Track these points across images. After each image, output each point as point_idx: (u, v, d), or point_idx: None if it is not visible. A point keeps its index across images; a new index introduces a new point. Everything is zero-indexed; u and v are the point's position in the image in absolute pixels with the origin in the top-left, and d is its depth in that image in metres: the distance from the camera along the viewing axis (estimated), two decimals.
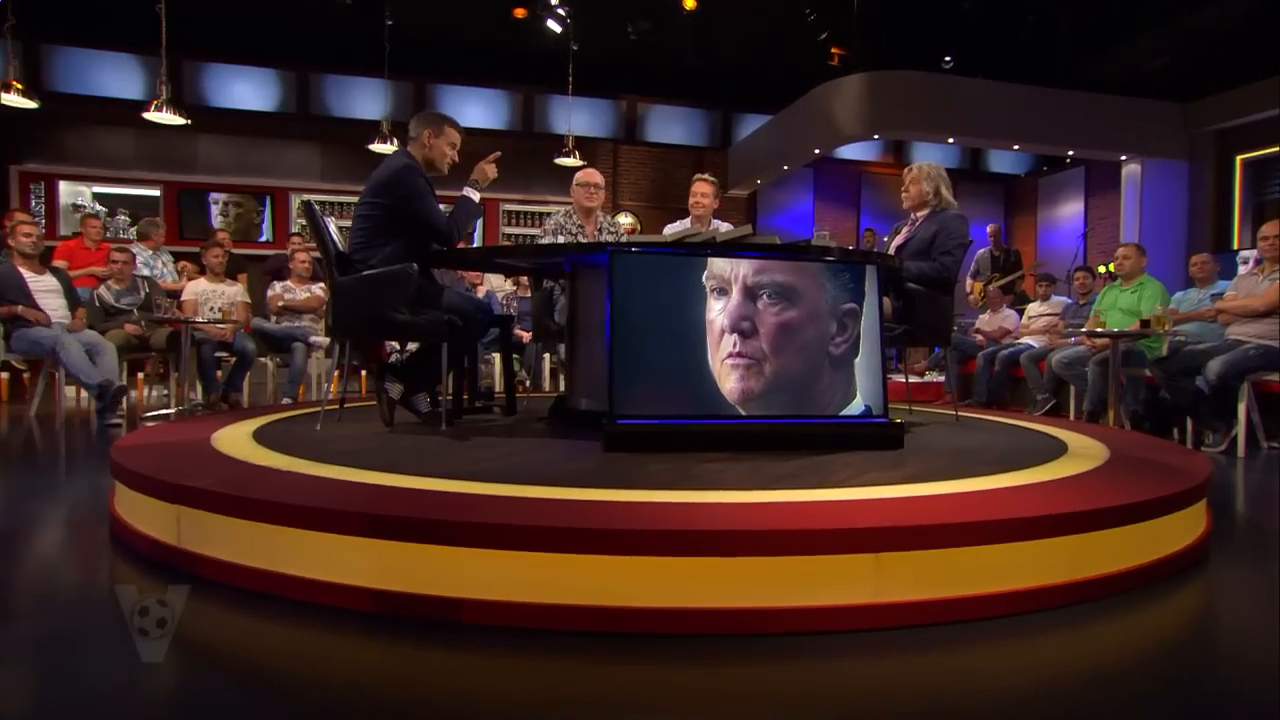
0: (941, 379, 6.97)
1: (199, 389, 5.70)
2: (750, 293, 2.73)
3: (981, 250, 8.02)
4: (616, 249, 2.68)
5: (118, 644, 1.45)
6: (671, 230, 4.27)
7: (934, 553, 1.56)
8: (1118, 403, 4.71)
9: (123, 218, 8.72)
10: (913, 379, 7.27)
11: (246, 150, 9.42)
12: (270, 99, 9.48)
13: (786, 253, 2.80)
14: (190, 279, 6.31)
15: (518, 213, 10.27)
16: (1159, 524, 1.88)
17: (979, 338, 6.89)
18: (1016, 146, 9.86)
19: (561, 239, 3.73)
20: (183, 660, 1.39)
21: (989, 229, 8.12)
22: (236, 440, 2.68)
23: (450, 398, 3.67)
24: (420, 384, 3.29)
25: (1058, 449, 2.77)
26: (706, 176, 4.37)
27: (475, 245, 9.09)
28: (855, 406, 2.73)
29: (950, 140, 9.53)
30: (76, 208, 8.53)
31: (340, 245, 3.26)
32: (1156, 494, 1.89)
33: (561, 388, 4.29)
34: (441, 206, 3.14)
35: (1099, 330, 4.91)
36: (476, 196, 3.22)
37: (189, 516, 1.80)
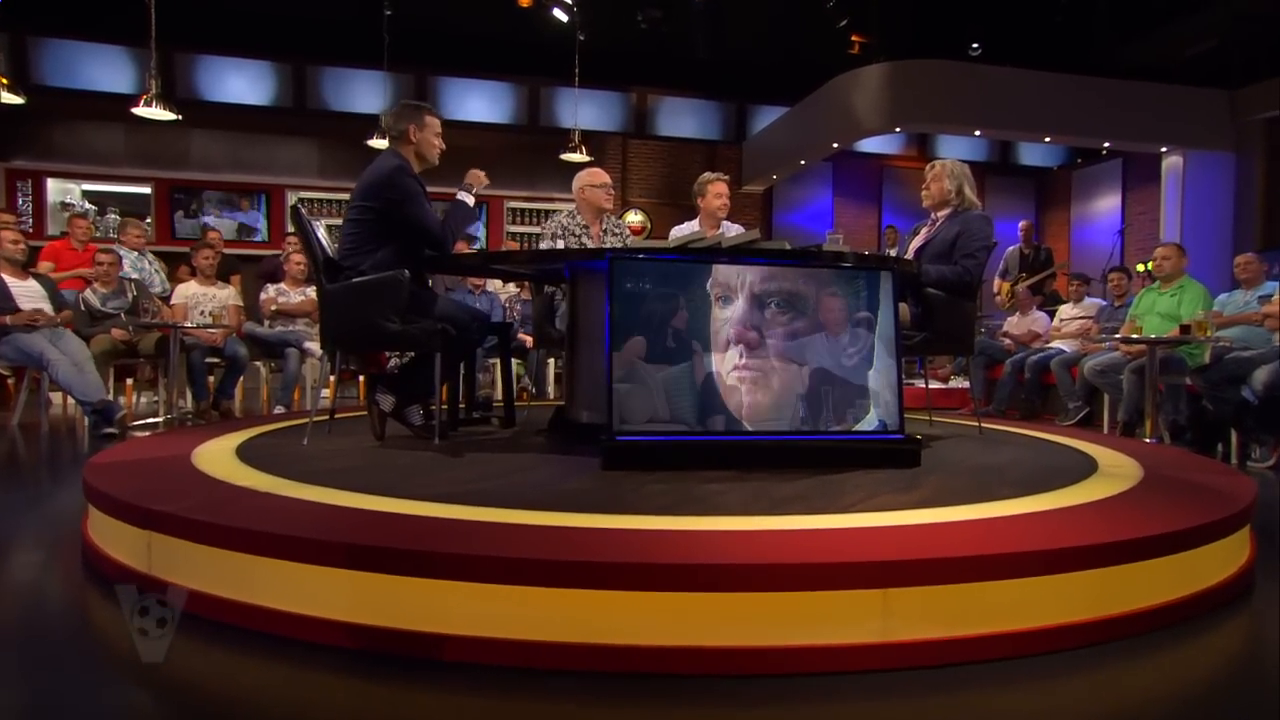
0: (967, 384, 6.89)
1: (189, 396, 5.73)
2: (757, 301, 2.70)
3: (1011, 248, 7.92)
4: (616, 255, 2.66)
5: (81, 680, 1.44)
6: (678, 233, 4.25)
7: (946, 588, 1.52)
8: (1155, 413, 4.64)
9: (113, 216, 8.79)
10: (936, 385, 7.21)
11: (241, 146, 9.48)
12: (265, 93, 9.55)
13: (797, 259, 2.77)
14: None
15: (522, 210, 10.27)
16: (1196, 554, 1.83)
17: (1007, 342, 6.81)
18: (1048, 139, 9.77)
19: (561, 244, 3.72)
20: (149, 698, 1.38)
21: (1020, 225, 8.01)
22: (218, 457, 2.68)
23: (446, 407, 3.68)
24: (413, 396, 3.28)
25: (1087, 467, 2.72)
26: (723, 176, 4.35)
27: (477, 247, 9.10)
28: (869, 421, 2.69)
29: (977, 133, 9.44)
30: (65, 206, 8.62)
31: (330, 250, 3.27)
32: (1193, 522, 1.84)
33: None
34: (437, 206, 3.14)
35: (1134, 336, 4.84)
36: (470, 200, 3.21)
37: (160, 543, 1.79)
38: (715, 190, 4.25)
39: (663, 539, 1.71)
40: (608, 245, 4.01)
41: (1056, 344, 6.41)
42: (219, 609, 1.66)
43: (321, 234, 3.31)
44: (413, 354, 3.47)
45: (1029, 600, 1.58)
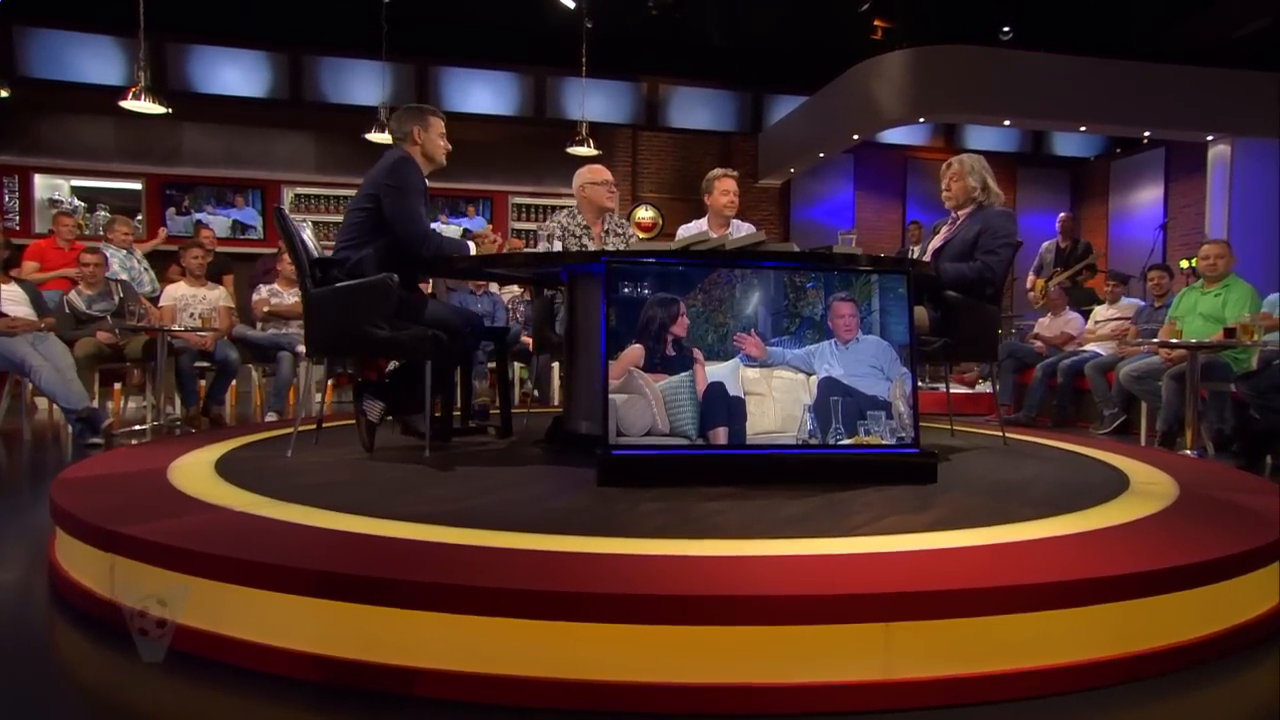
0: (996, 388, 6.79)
1: (177, 403, 5.76)
2: (763, 306, 2.67)
3: (1047, 242, 7.81)
4: (612, 258, 2.64)
5: (36, 715, 1.42)
6: (685, 233, 4.23)
7: (953, 622, 1.48)
8: (1197, 423, 4.55)
9: (102, 213, 8.85)
10: (962, 390, 7.13)
11: (235, 140, 9.52)
12: (260, 84, 9.59)
13: (805, 262, 2.74)
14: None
15: (527, 206, 10.26)
16: (1232, 585, 1.77)
17: (1038, 344, 6.72)
18: (1084, 128, 9.63)
19: (558, 245, 3.69)
20: None
21: (1059, 218, 7.87)
22: (195, 471, 2.68)
23: (440, 415, 3.67)
24: (402, 406, 3.27)
25: (1117, 484, 2.67)
26: (733, 172, 4.32)
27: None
28: (882, 433, 2.65)
29: (1007, 123, 9.34)
30: (54, 203, 8.69)
31: (316, 252, 3.27)
32: (1229, 550, 1.79)
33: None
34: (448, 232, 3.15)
35: (1174, 340, 4.75)
36: (471, 250, 3.23)
37: (123, 567, 1.78)
38: (722, 187, 4.22)
39: (654, 566, 1.69)
40: (609, 246, 3.99)
41: (1091, 347, 6.31)
42: (183, 638, 1.64)
43: (307, 235, 3.31)
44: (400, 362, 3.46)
45: (1045, 636, 1.54)
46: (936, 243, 3.59)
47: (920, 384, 6.97)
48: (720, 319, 2.66)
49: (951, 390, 6.98)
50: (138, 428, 5.28)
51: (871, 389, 2.66)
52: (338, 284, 3.05)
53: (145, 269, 6.69)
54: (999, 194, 3.50)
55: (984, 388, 7.17)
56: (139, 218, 8.89)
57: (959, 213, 3.56)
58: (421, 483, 2.62)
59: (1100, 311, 6.59)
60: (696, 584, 1.56)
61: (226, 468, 2.77)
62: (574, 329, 3.38)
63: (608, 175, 4.04)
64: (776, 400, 2.62)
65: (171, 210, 9.23)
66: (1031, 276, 7.84)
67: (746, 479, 2.55)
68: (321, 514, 2.05)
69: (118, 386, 6.52)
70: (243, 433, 3.91)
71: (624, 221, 4.24)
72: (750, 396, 2.62)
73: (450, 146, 3.39)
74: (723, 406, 2.60)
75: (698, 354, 2.62)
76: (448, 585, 1.50)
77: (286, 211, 3.25)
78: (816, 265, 2.73)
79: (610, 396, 2.57)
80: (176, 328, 5.45)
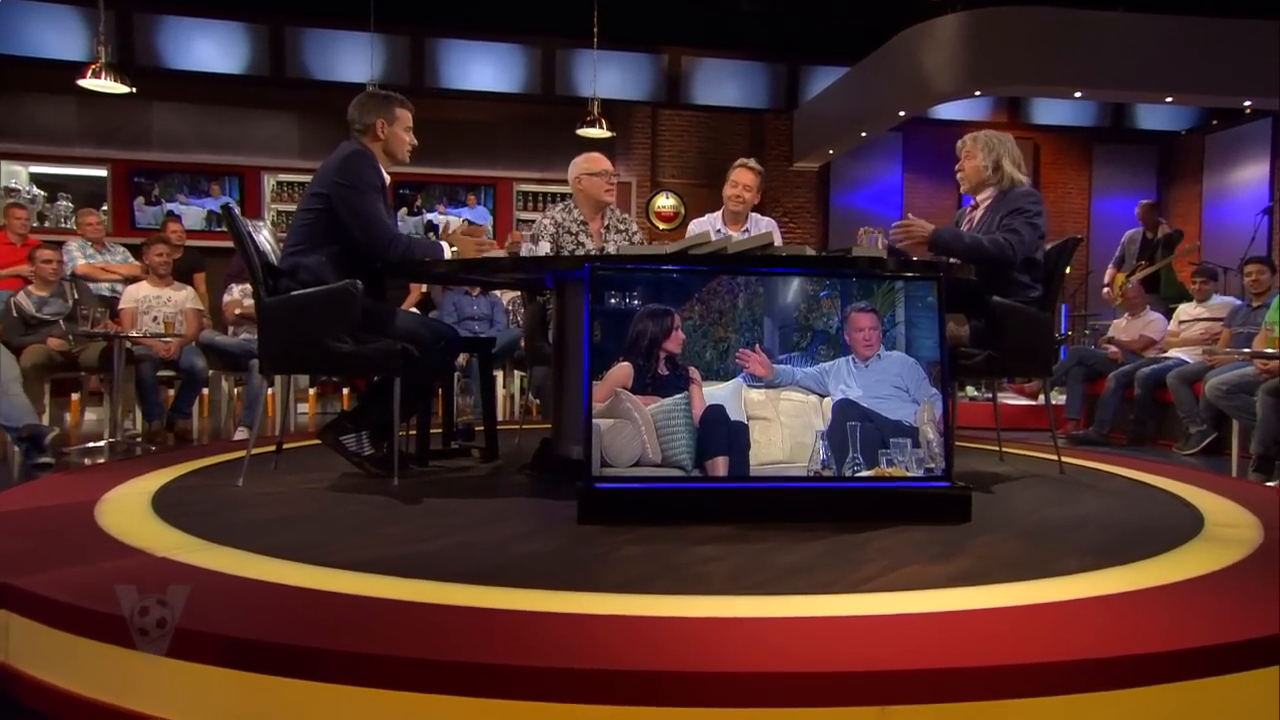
0: (1062, 399, 6.66)
1: (138, 416, 5.80)
2: (770, 318, 2.61)
3: (1130, 231, 7.62)
4: (596, 264, 2.59)
5: None
6: (695, 229, 4.18)
7: (961, 707, 1.40)
8: None
9: (64, 204, 8.97)
10: (1022, 402, 6.98)
11: (209, 122, 9.60)
12: (238, 59, 9.65)
13: (818, 267, 2.67)
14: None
15: (533, 194, 10.26)
16: None
17: (1112, 349, 6.56)
18: (1170, 99, 9.39)
19: (546, 245, 3.65)
20: None
21: (1138, 207, 7.67)
22: (129, 504, 2.67)
23: (416, 434, 3.65)
24: (367, 425, 3.24)
25: (1188, 526, 2.57)
26: (751, 163, 4.26)
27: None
28: (907, 463, 2.57)
29: (1078, 95, 9.14)
30: (10, 191, 8.81)
31: (275, 256, 3.25)
32: None
33: None
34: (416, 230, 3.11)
35: (1271, 350, 4.58)
36: (446, 253, 3.19)
37: (19, 626, 1.75)
38: (734, 179, 4.18)
39: (621, 629, 1.64)
40: (610, 244, 3.95)
41: (1175, 353, 6.13)
42: (81, 711, 1.61)
43: (264, 236, 3.30)
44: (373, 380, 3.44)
45: None
46: None
47: (974, 394, 6.92)
48: (720, 333, 2.60)
49: (1010, 402, 6.89)
50: (92, 445, 5.32)
51: (895, 413, 2.59)
52: (294, 293, 3.02)
53: (125, 259, 6.72)
54: (1020, 178, 3.42)
55: (1052, 397, 7.00)
56: (104, 208, 8.99)
57: (978, 199, 3.53)
58: (380, 519, 2.59)
59: (1186, 310, 6.38)
60: (663, 654, 1.50)
61: (165, 500, 2.76)
62: (563, 341, 3.34)
63: (607, 165, 4.00)
64: (785, 426, 2.57)
65: (140, 200, 9.33)
66: (1111, 270, 7.65)
67: (748, 516, 2.50)
68: (254, 560, 2.02)
69: (75, 397, 6.59)
70: (200, 454, 3.92)
71: (627, 216, 4.19)
72: (754, 421, 2.56)
73: (417, 143, 3.36)
74: (723, 433, 2.55)
75: (694, 373, 2.57)
76: (366, 656, 1.45)
77: (236, 209, 3.23)
78: (831, 270, 2.66)
79: (594, 422, 2.53)
80: (135, 333, 5.48)
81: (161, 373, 5.76)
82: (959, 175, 3.57)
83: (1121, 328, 6.78)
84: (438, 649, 1.49)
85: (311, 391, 7.27)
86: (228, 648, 1.51)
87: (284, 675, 1.48)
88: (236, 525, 2.40)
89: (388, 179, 3.25)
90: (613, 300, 2.59)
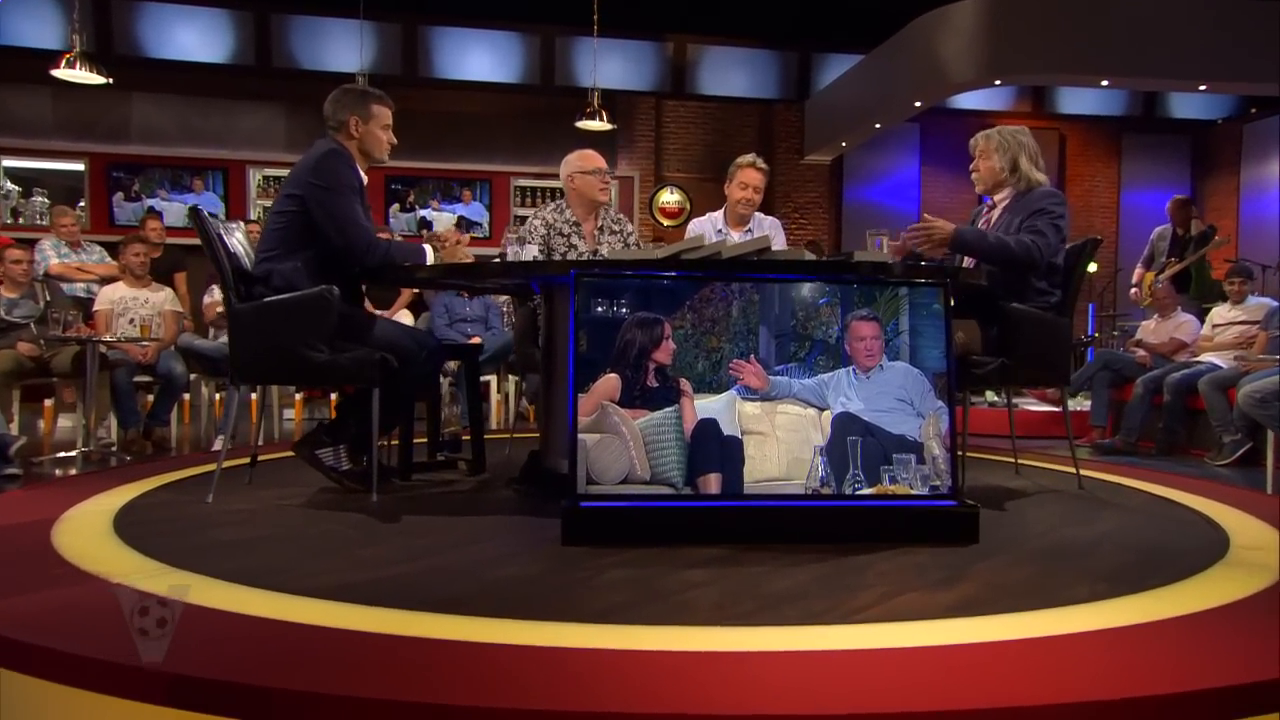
0: (1087, 405, 6.60)
1: (113, 424, 5.80)
2: (765, 327, 2.58)
3: (1160, 227, 7.54)
4: (582, 272, 2.57)
5: None
6: (694, 229, 4.15)
7: None
8: None
9: (40, 199, 8.99)
10: (1043, 408, 6.93)
11: (192, 114, 9.63)
12: (221, 48, 9.65)
13: (817, 272, 2.65)
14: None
15: (531, 189, 10.25)
16: None
17: (1140, 353, 6.50)
18: (1204, 87, 9.33)
19: (533, 249, 3.61)
20: None
21: (1169, 203, 7.59)
22: (88, 523, 2.66)
23: (399, 445, 3.63)
24: (344, 438, 3.23)
25: (1212, 548, 2.53)
26: (759, 162, 4.24)
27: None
28: (911, 480, 2.54)
29: (1105, 83, 9.09)
30: None
31: (248, 260, 3.25)
32: None
33: None
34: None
35: None
36: (429, 257, 3.17)
37: None
38: (741, 179, 4.17)
39: (597, 664, 1.61)
40: (604, 245, 3.93)
41: (1208, 357, 6.06)
42: None
43: (237, 240, 3.29)
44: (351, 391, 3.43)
45: None
46: None
47: (994, 400, 6.87)
48: (713, 342, 2.58)
49: (1030, 408, 6.84)
50: (64, 455, 5.32)
51: (898, 427, 2.56)
52: (266, 299, 3.01)
53: (102, 259, 6.73)
54: (1039, 177, 3.40)
55: (1074, 404, 6.95)
56: (81, 204, 9.02)
57: (995, 199, 3.51)
58: (355, 539, 2.58)
59: (1220, 313, 6.32)
60: (634, 694, 1.47)
61: (129, 519, 2.75)
62: (551, 350, 3.33)
63: (601, 163, 3.98)
64: (781, 441, 2.54)
65: (119, 195, 9.35)
66: (1139, 269, 7.58)
67: (742, 537, 2.48)
68: (213, 586, 2.01)
69: (49, 403, 6.59)
70: (174, 466, 3.91)
71: (622, 217, 4.17)
72: (749, 436, 2.54)
73: (395, 142, 3.35)
74: (715, 448, 2.53)
75: (685, 385, 2.55)
76: (324, 696, 1.43)
77: (204, 212, 3.23)
78: (831, 276, 2.64)
79: (580, 437, 2.51)
80: (110, 337, 5.48)
81: (138, 378, 5.75)
82: (974, 176, 3.55)
83: (1150, 330, 6.72)
84: (396, 688, 1.47)
85: (298, 398, 7.27)
86: (173, 686, 1.49)
87: (231, 717, 1.46)
88: (200, 547, 2.39)
89: (365, 179, 3.24)
90: (599, 308, 2.57)
